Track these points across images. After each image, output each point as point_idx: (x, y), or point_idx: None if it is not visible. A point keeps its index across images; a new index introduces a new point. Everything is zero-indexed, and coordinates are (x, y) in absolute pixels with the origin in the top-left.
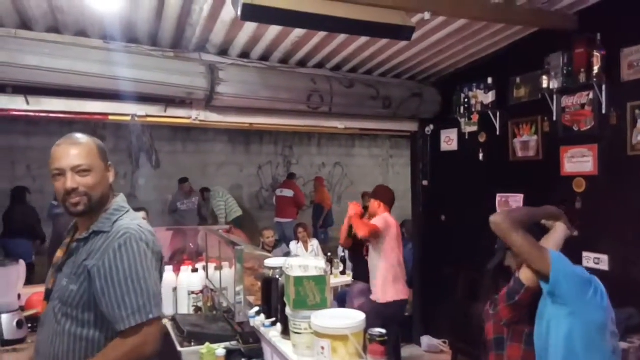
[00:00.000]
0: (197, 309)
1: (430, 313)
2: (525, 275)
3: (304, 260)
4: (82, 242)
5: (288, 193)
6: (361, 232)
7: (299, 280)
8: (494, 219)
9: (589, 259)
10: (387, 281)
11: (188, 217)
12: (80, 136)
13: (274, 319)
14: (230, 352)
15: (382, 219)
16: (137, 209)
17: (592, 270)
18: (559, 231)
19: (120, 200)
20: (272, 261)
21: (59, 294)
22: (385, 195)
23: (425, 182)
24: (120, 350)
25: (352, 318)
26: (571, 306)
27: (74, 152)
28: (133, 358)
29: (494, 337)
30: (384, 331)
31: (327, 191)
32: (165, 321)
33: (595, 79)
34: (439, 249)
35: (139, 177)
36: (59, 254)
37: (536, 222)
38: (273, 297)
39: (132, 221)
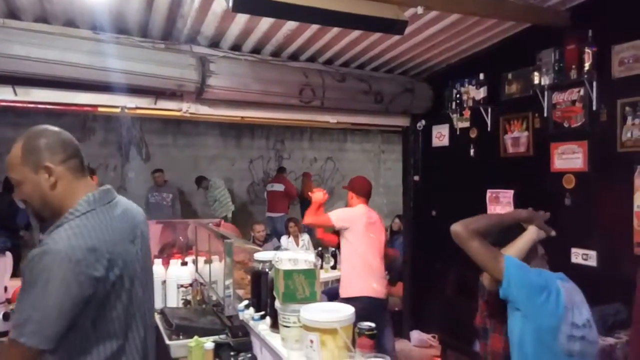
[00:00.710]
0: (186, 303)
1: (420, 308)
2: (486, 279)
3: (293, 253)
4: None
5: (279, 187)
6: (305, 219)
7: (288, 273)
8: (453, 228)
9: (577, 254)
10: (351, 275)
11: (155, 213)
12: (16, 141)
13: (263, 313)
14: (219, 346)
15: (344, 212)
16: None
17: (580, 267)
18: (526, 235)
19: (83, 201)
20: (262, 255)
21: None
22: (358, 186)
23: (416, 178)
24: None
25: (341, 312)
26: (523, 310)
27: (7, 162)
28: None
29: (481, 326)
30: (373, 325)
31: (315, 186)
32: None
33: (586, 76)
34: (429, 244)
35: (129, 170)
36: None
37: (502, 228)
38: (262, 291)
39: (72, 229)
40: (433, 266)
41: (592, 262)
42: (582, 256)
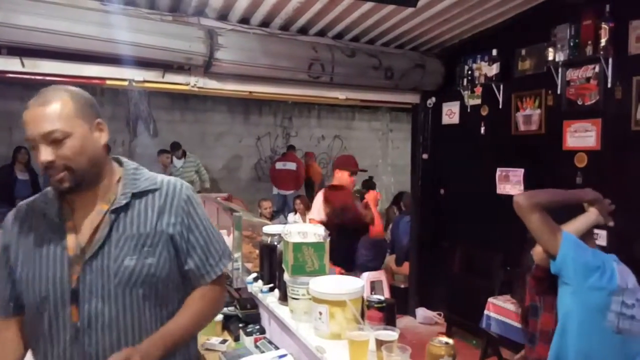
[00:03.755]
0: None
1: (426, 286)
2: (536, 253)
3: (303, 226)
4: (122, 211)
5: (291, 166)
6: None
7: (297, 246)
8: (516, 198)
9: None
10: None
11: None
12: (53, 91)
13: (271, 285)
14: (227, 317)
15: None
16: None
17: None
18: (586, 216)
19: (126, 160)
20: (271, 228)
21: (125, 277)
22: (350, 162)
23: (425, 156)
24: (206, 301)
25: (350, 284)
26: (573, 286)
27: (43, 114)
28: (218, 308)
29: (530, 304)
30: (382, 297)
31: (318, 165)
32: None
33: (602, 52)
34: (436, 222)
35: (136, 145)
36: (73, 242)
37: (565, 205)
38: (271, 263)
39: (162, 175)
40: (440, 245)
41: (602, 241)
42: (593, 235)
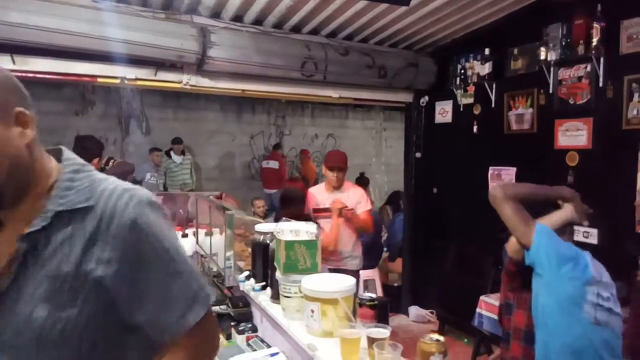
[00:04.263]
0: None
1: (419, 284)
2: (510, 246)
3: (295, 224)
4: (41, 237)
5: (274, 165)
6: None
7: (289, 244)
8: (491, 189)
9: (578, 232)
10: None
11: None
12: None
13: (263, 283)
14: (219, 316)
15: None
16: None
17: (581, 244)
18: (561, 212)
19: (69, 155)
20: (263, 226)
21: (35, 332)
22: (330, 158)
23: (418, 154)
24: None
25: (342, 282)
26: (546, 277)
27: None
28: None
29: (505, 302)
30: (374, 295)
31: (312, 163)
32: None
33: (593, 51)
34: (429, 220)
35: (128, 143)
36: None
37: (540, 200)
38: (263, 262)
39: (116, 181)
40: (433, 243)
41: (593, 239)
42: (583, 234)
